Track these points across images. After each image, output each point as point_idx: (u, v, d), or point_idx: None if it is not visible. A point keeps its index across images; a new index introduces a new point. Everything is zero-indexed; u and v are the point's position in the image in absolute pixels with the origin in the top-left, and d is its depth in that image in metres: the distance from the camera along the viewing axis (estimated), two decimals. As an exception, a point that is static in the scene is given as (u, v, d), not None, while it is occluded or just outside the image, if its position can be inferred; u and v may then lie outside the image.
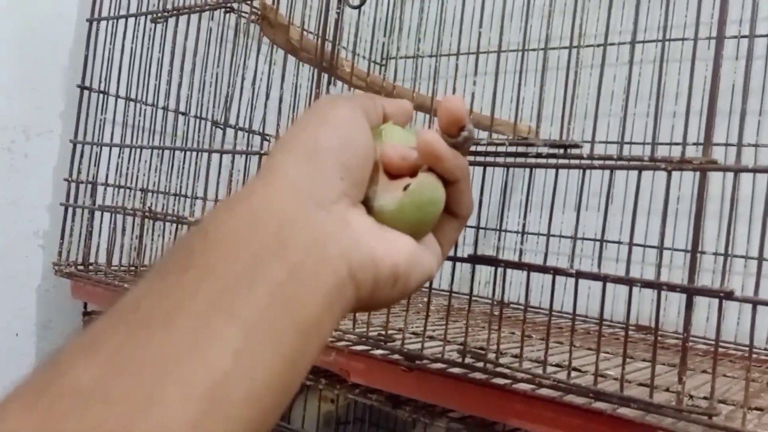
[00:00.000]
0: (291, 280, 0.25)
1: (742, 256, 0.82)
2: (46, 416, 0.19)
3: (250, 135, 0.82)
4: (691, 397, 0.52)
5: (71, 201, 0.89)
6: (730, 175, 0.45)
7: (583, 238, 0.68)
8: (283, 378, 0.24)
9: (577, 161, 0.46)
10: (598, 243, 0.48)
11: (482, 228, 1.02)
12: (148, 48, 0.85)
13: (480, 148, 0.50)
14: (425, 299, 0.89)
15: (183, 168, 0.79)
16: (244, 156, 0.73)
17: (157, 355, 0.21)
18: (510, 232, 1.03)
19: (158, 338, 0.21)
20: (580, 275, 0.45)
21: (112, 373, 0.20)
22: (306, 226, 0.27)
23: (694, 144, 0.61)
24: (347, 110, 0.32)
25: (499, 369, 0.50)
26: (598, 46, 0.58)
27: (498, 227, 0.96)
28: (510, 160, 0.48)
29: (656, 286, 0.42)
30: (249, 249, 0.25)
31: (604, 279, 0.44)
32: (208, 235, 0.25)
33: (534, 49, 1.07)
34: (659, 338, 0.82)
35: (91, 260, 0.88)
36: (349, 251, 0.28)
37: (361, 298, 0.29)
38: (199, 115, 0.82)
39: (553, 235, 0.50)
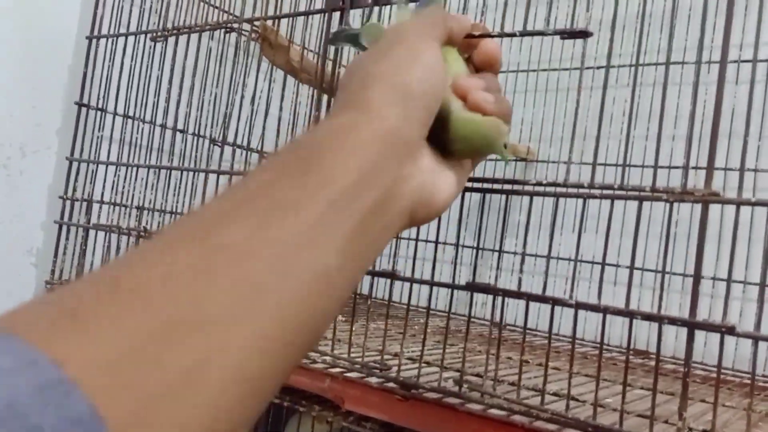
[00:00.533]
0: (376, 207, 0.29)
1: (741, 282, 0.81)
2: (206, 260, 0.22)
3: (248, 153, 0.82)
4: (691, 430, 0.51)
5: (66, 219, 0.88)
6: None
7: (583, 261, 0.67)
8: (353, 270, 0.28)
9: (576, 190, 0.45)
10: (597, 266, 0.47)
11: (481, 249, 1.01)
12: (148, 66, 0.85)
13: (478, 173, 0.49)
14: (422, 320, 0.88)
15: (179, 186, 0.78)
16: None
17: (289, 233, 0.25)
18: (508, 253, 1.02)
19: (290, 220, 0.25)
20: (579, 306, 0.45)
21: (259, 235, 0.24)
22: (394, 166, 0.31)
23: (693, 168, 0.60)
24: (434, 50, 0.35)
25: (496, 401, 0.49)
26: (599, 68, 0.58)
27: (498, 248, 0.95)
28: (508, 187, 0.47)
29: (657, 319, 0.42)
30: (357, 172, 0.29)
31: (605, 311, 0.43)
32: (322, 149, 0.29)
33: (534, 70, 1.08)
34: (660, 365, 0.82)
35: (85, 278, 0.87)
36: (415, 192, 0.33)
37: (405, 226, 0.34)
38: (197, 132, 0.82)
39: (553, 257, 0.50)
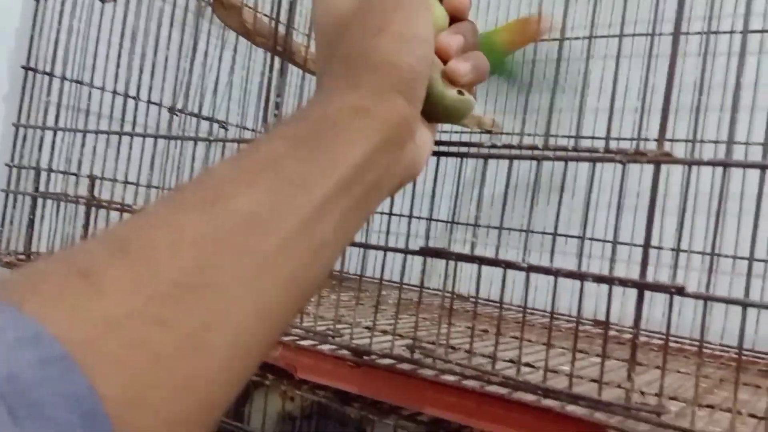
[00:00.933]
0: (373, 186, 0.30)
1: (699, 252, 0.82)
2: (214, 227, 0.23)
3: (213, 124, 0.79)
4: (643, 393, 0.51)
5: (13, 187, 0.85)
6: (696, 171, 0.44)
7: (534, 231, 0.66)
8: (344, 242, 0.29)
9: (530, 152, 0.44)
10: (550, 236, 0.47)
11: (434, 220, 1.00)
12: (98, 29, 0.82)
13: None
14: (386, 292, 0.87)
15: (131, 155, 0.76)
16: (193, 142, 0.71)
17: (298, 208, 0.25)
18: (461, 224, 1.02)
19: (300, 198, 0.26)
20: (531, 269, 0.44)
21: (269, 206, 0.25)
22: (398, 150, 0.32)
23: (644, 140, 0.60)
24: (428, 19, 0.35)
25: (448, 366, 0.49)
26: (555, 40, 0.57)
27: (451, 219, 0.95)
28: (464, 150, 0.46)
29: (608, 280, 0.41)
30: (363, 156, 0.29)
31: (556, 273, 0.43)
32: (336, 128, 0.29)
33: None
34: (617, 334, 0.82)
35: (34, 249, 0.84)
36: (407, 167, 0.34)
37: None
38: (150, 100, 0.79)
39: (506, 228, 0.49)
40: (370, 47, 0.33)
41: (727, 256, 0.79)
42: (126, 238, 0.22)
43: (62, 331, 0.18)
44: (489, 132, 1.08)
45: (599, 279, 0.42)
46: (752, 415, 0.51)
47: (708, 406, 0.51)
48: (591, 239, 0.85)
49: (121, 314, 0.19)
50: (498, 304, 0.49)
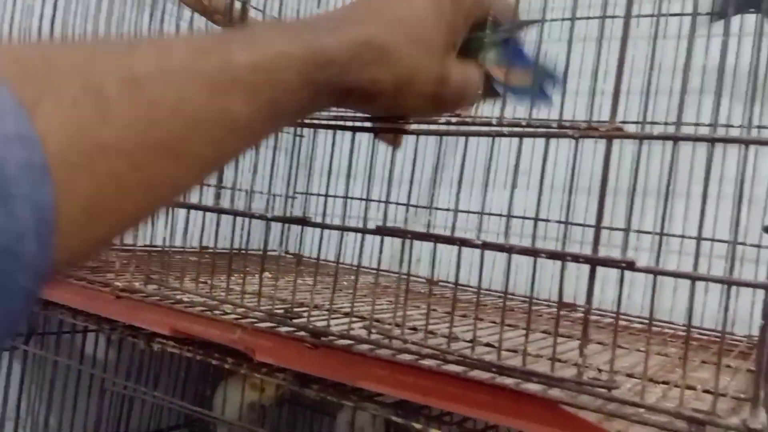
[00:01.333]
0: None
1: (648, 232, 0.81)
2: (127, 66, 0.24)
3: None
4: (600, 371, 0.51)
5: None
6: (647, 151, 0.44)
7: (490, 214, 0.66)
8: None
9: (486, 128, 0.44)
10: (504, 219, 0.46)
11: (391, 203, 1.00)
12: (53, 8, 0.79)
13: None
14: (351, 277, 0.87)
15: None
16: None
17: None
18: (420, 207, 1.01)
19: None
20: (486, 246, 0.44)
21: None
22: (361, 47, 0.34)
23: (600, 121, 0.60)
24: None
25: (405, 346, 0.48)
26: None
27: (406, 202, 0.94)
28: (418, 127, 0.45)
29: (560, 256, 0.41)
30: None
31: (510, 250, 0.43)
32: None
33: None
34: (577, 313, 0.83)
35: None
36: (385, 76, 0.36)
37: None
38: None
39: (461, 211, 0.49)
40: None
41: (675, 236, 0.80)
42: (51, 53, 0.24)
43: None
44: (458, 115, 1.08)
45: (552, 255, 0.42)
46: (707, 391, 0.51)
47: (663, 382, 0.51)
48: (545, 220, 0.84)
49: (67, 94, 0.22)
50: (455, 285, 0.49)
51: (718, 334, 0.67)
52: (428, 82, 0.37)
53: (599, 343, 0.66)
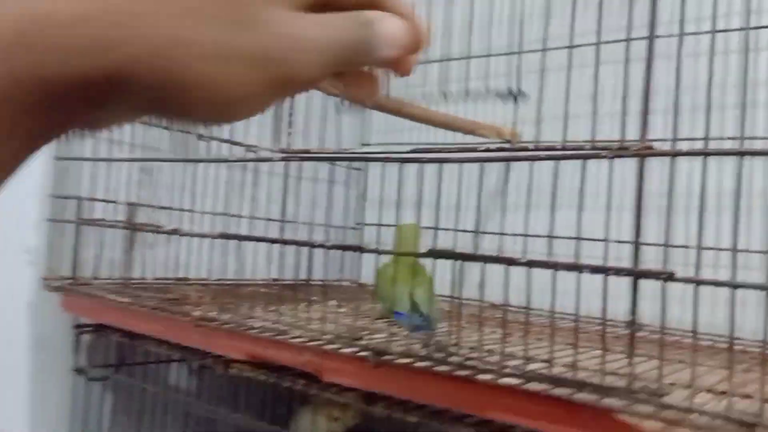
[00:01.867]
0: None
1: (683, 246, 0.80)
2: None
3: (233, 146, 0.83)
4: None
5: (57, 216, 0.91)
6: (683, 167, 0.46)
7: (528, 235, 0.67)
8: None
9: (524, 153, 0.47)
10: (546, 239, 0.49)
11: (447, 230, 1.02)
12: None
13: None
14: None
15: (166, 181, 0.81)
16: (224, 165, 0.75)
17: None
18: (466, 231, 1.03)
19: None
20: (531, 264, 0.46)
21: None
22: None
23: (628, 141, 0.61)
24: None
25: (461, 361, 0.51)
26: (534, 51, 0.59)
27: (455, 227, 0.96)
28: (459, 155, 0.49)
29: (603, 270, 0.43)
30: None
31: (555, 266, 0.45)
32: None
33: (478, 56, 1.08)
34: (617, 330, 0.83)
35: (81, 274, 0.89)
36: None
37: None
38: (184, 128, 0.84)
39: (484, 233, 0.51)
40: None
41: (710, 248, 0.79)
42: None
43: None
44: (509, 141, 1.10)
45: (596, 270, 0.44)
46: (747, 396, 0.51)
47: (708, 390, 0.52)
48: (586, 239, 0.85)
49: None
50: (505, 306, 0.51)
51: (760, 344, 0.66)
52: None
53: (654, 357, 0.66)
